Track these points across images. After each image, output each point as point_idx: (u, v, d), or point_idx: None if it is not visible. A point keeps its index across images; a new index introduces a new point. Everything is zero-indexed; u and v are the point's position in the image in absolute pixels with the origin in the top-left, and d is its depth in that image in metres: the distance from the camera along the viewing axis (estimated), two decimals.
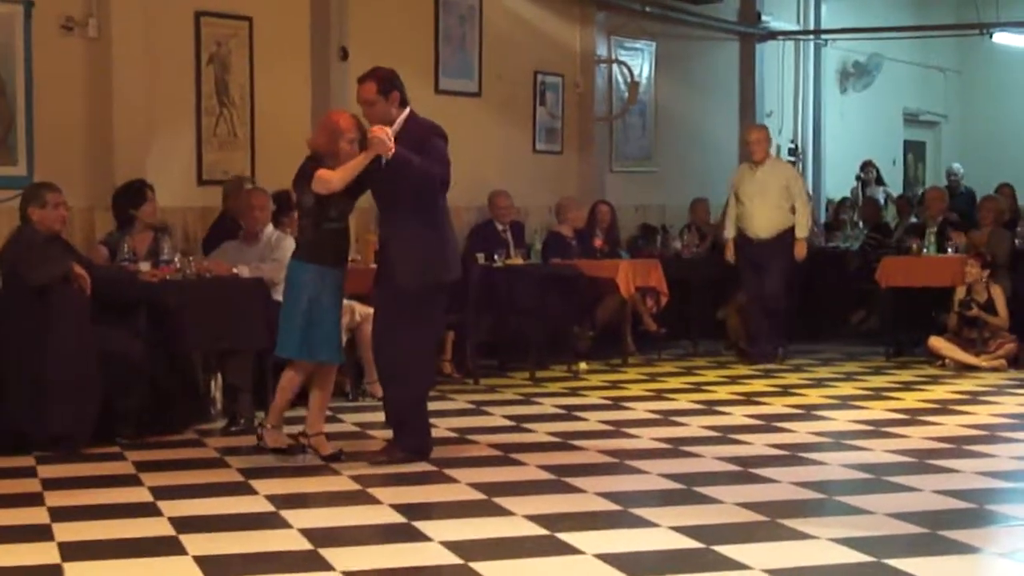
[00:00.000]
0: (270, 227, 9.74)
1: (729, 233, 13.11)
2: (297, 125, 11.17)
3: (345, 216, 7.87)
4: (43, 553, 5.78)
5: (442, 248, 7.89)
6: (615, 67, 15.57)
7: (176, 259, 9.12)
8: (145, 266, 9.01)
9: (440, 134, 7.94)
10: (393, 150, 7.60)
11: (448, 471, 7.56)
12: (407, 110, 7.92)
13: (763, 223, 12.80)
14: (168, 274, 8.99)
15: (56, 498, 6.86)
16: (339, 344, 8.01)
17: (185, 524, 6.30)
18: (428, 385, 8.26)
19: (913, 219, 15.25)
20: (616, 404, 10.17)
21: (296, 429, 8.05)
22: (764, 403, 10.27)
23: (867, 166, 18.54)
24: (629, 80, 15.61)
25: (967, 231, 13.38)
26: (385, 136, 7.59)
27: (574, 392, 10.87)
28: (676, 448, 8.36)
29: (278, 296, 9.33)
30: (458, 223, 12.79)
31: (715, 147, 17.46)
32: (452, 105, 12.90)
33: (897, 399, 10.40)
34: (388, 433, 8.09)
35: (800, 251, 12.82)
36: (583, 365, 12.23)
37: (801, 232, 12.77)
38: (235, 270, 9.34)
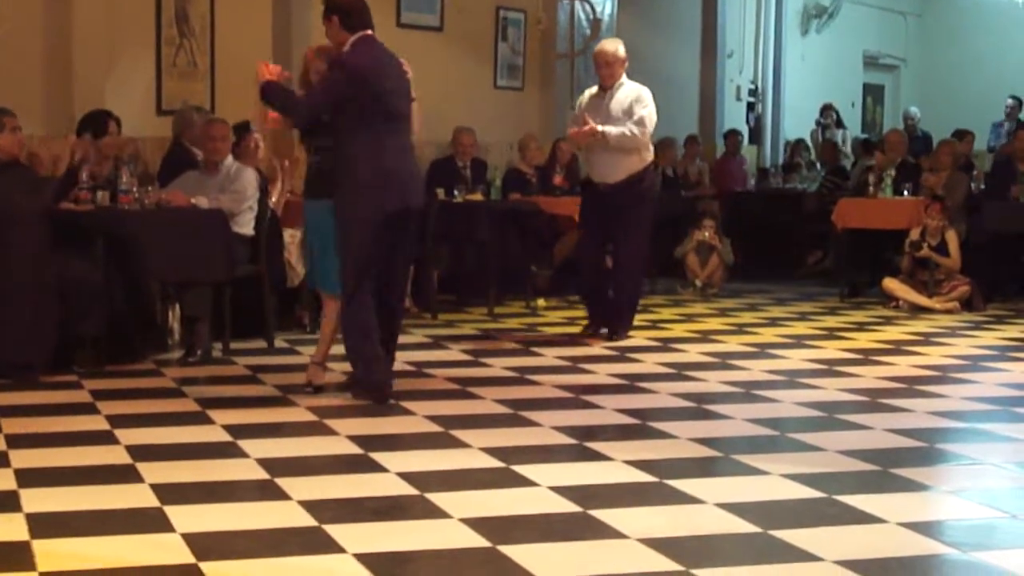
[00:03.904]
0: (230, 158, 9.69)
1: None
2: (257, 56, 11.04)
3: (326, 151, 7.77)
4: None
5: (361, 180, 7.55)
6: (577, 4, 15.52)
7: (134, 189, 9.07)
8: (104, 195, 8.97)
9: (351, 64, 7.58)
10: (262, 80, 7.54)
11: (405, 404, 7.59)
12: (356, 35, 7.66)
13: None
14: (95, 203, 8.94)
15: (13, 425, 6.85)
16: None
17: (142, 452, 6.32)
18: (346, 325, 7.74)
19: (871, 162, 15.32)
20: (573, 340, 10.21)
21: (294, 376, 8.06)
22: (719, 341, 10.33)
23: (827, 109, 18.61)
24: (591, 17, 15.59)
25: (917, 175, 13.47)
26: (260, 71, 7.57)
27: (532, 328, 10.92)
28: (632, 384, 8.41)
29: (237, 228, 9.34)
30: (418, 158, 12.83)
31: (676, 86, 17.44)
32: (413, 39, 12.84)
33: (851, 339, 10.48)
34: (346, 366, 8.08)
35: (583, 134, 10.08)
36: (541, 302, 12.26)
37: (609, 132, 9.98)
38: (193, 201, 9.30)
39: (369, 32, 7.73)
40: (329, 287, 7.90)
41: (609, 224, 10.18)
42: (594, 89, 10.40)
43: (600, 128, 9.93)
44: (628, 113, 10.07)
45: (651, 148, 10.31)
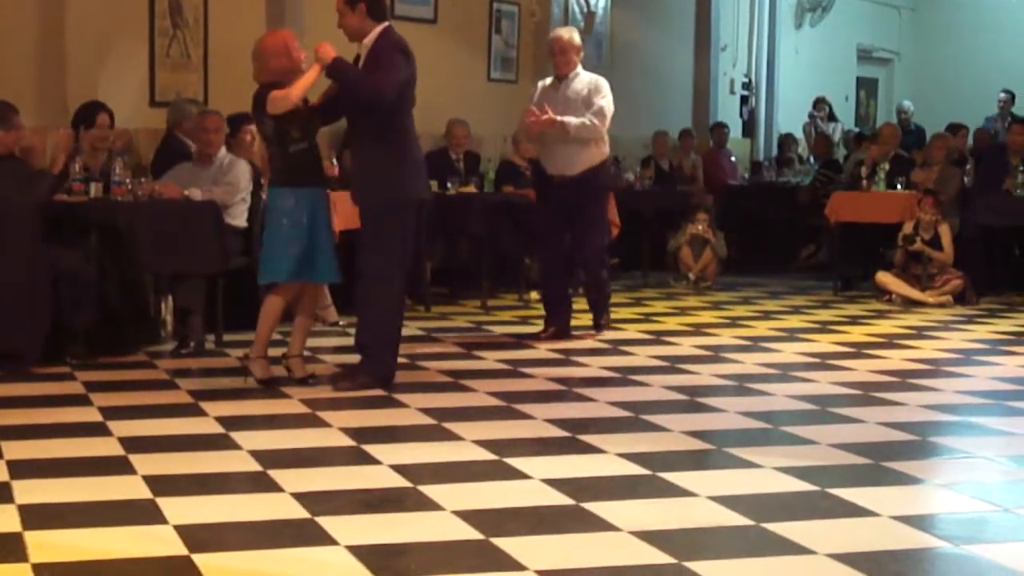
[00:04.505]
0: (223, 150, 9.69)
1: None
2: (251, 47, 11.07)
3: (310, 135, 7.82)
4: None
5: (398, 167, 7.77)
6: None
7: (127, 181, 9.06)
8: (98, 187, 8.96)
9: (400, 49, 7.77)
10: (330, 59, 7.58)
11: (398, 396, 7.59)
12: (383, 25, 7.81)
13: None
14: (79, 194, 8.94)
15: (5, 417, 6.85)
16: (335, 263, 7.94)
17: (134, 444, 6.32)
18: (391, 308, 7.89)
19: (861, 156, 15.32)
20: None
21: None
22: (712, 334, 10.34)
23: (819, 102, 18.61)
24: (585, 10, 15.58)
25: (911, 168, 13.48)
26: (326, 48, 7.60)
27: (524, 321, 10.92)
28: (625, 377, 8.41)
29: (231, 220, 9.33)
30: None
31: (670, 80, 17.49)
32: (407, 31, 12.60)
33: (844, 332, 10.49)
34: (340, 357, 8.09)
35: (541, 123, 9.59)
36: (534, 294, 12.23)
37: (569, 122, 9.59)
38: (187, 192, 9.29)
39: (388, 23, 7.87)
40: (323, 275, 7.94)
41: (567, 219, 9.81)
42: (548, 80, 10.02)
43: (559, 118, 9.53)
44: (586, 103, 9.67)
45: (607, 140, 9.90)
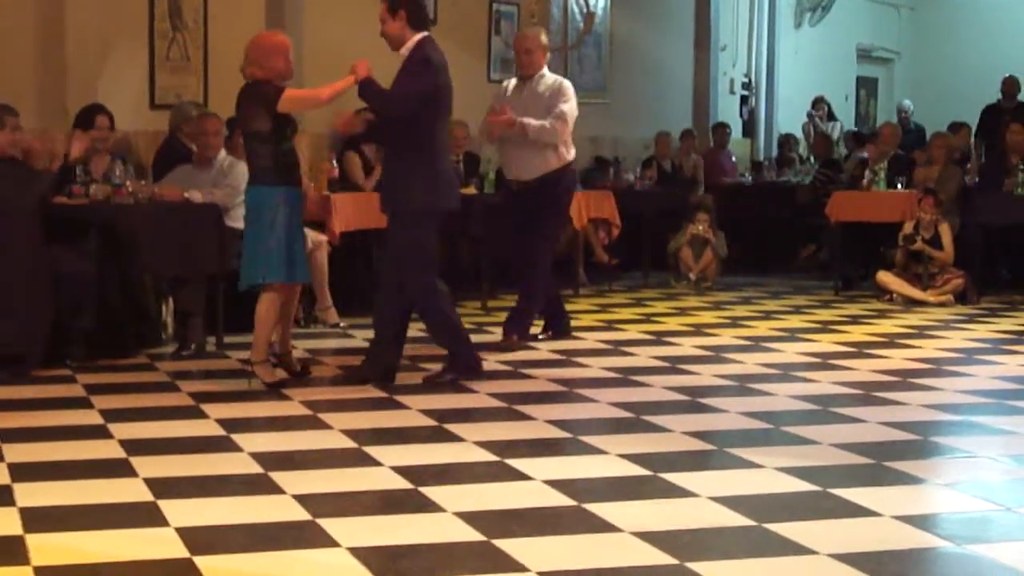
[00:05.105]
0: (223, 152, 9.70)
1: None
2: None
3: (294, 135, 7.98)
4: None
5: (424, 177, 7.85)
6: None
7: (128, 183, 9.05)
8: (101, 189, 8.94)
9: (428, 60, 7.83)
10: (361, 77, 7.72)
11: (399, 398, 7.59)
12: (421, 35, 7.90)
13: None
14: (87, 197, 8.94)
15: (6, 419, 6.85)
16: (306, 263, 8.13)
17: (136, 447, 6.31)
18: (441, 309, 8.11)
19: (863, 154, 15.31)
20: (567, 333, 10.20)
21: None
22: (713, 334, 10.34)
23: (818, 102, 18.60)
24: (584, 11, 15.58)
25: (911, 168, 13.49)
26: (364, 65, 7.74)
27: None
28: (625, 377, 8.41)
29: (231, 222, 9.33)
30: None
31: (669, 80, 17.48)
32: None
33: (845, 332, 10.49)
34: (341, 359, 8.08)
35: (499, 124, 9.34)
36: None
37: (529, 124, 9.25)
38: (187, 195, 9.29)
39: (428, 33, 7.97)
40: (303, 275, 8.08)
41: (520, 226, 9.43)
42: (513, 81, 9.74)
43: (519, 119, 9.19)
44: (549, 106, 9.31)
45: (571, 146, 9.45)
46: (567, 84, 9.52)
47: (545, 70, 9.52)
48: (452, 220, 11.40)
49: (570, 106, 9.36)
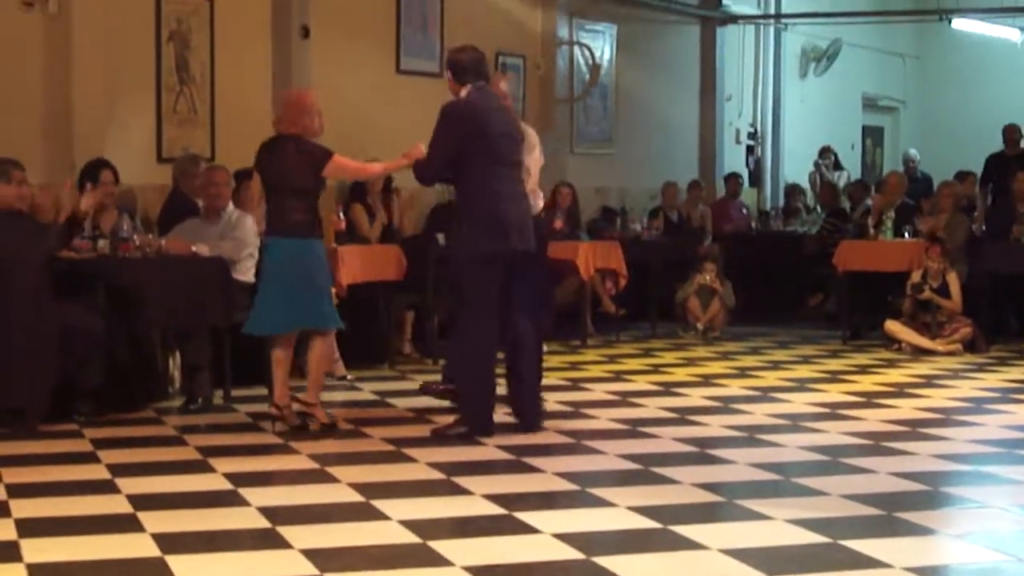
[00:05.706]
0: (231, 205, 9.71)
1: None
2: (257, 103, 11.16)
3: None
4: (0, 529, 5.77)
5: (471, 222, 7.97)
6: (576, 49, 15.59)
7: (135, 237, 9.07)
8: (108, 243, 8.96)
9: (449, 113, 8.06)
10: (412, 160, 8.16)
11: (407, 450, 7.57)
12: (465, 88, 8.11)
13: None
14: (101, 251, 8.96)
15: (13, 475, 6.83)
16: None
17: (143, 501, 6.29)
18: (470, 360, 8.14)
19: (868, 202, 15.29)
20: (575, 385, 10.20)
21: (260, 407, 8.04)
22: (722, 385, 10.31)
23: (825, 151, 18.62)
24: (590, 62, 15.64)
25: (919, 216, 13.48)
26: (416, 149, 8.14)
27: None
28: (634, 429, 8.39)
29: (238, 275, 9.33)
30: (419, 204, 12.85)
31: (675, 130, 17.52)
32: (413, 85, 12.89)
33: (853, 382, 10.46)
34: (349, 412, 8.06)
35: None
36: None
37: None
38: (195, 248, 9.30)
39: (482, 83, 8.16)
40: (322, 321, 8.23)
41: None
42: None
43: None
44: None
45: (540, 196, 8.96)
46: (531, 132, 8.95)
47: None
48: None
49: (534, 156, 8.83)
